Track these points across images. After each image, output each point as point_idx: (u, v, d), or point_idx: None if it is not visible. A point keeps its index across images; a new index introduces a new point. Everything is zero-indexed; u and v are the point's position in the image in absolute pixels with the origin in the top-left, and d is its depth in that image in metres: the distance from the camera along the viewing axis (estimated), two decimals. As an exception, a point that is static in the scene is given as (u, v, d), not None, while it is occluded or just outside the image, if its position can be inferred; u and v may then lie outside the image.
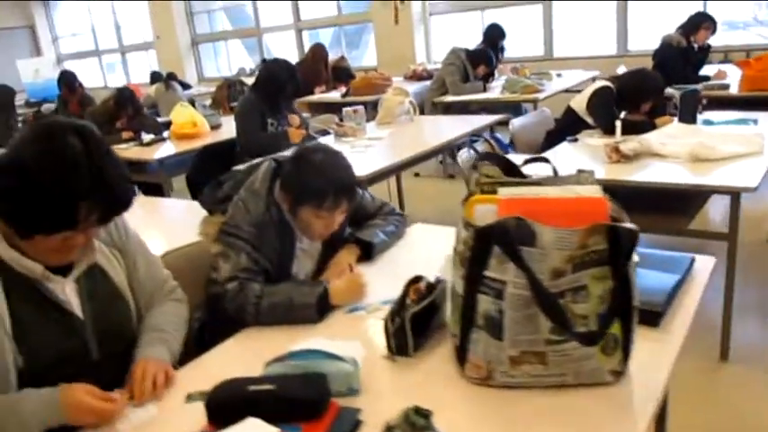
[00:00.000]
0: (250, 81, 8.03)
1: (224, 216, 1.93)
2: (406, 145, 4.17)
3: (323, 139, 4.51)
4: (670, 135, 3.39)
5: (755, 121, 3.68)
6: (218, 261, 1.89)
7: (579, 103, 3.92)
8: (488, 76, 6.29)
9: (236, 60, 12.29)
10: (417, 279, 1.66)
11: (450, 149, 4.23)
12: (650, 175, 2.99)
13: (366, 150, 4.04)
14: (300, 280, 1.90)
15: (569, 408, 1.30)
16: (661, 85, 3.82)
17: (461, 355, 1.43)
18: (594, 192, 1.40)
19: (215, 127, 5.57)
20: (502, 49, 6.87)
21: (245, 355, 1.64)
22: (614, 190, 1.48)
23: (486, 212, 1.40)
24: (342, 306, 1.82)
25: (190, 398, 1.45)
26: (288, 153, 2.09)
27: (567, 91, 6.05)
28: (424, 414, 1.21)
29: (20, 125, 7.00)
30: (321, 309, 1.77)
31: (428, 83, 6.84)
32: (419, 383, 1.44)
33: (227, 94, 7.85)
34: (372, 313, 1.78)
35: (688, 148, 3.07)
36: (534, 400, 1.33)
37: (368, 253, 2.14)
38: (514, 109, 5.90)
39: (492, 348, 1.36)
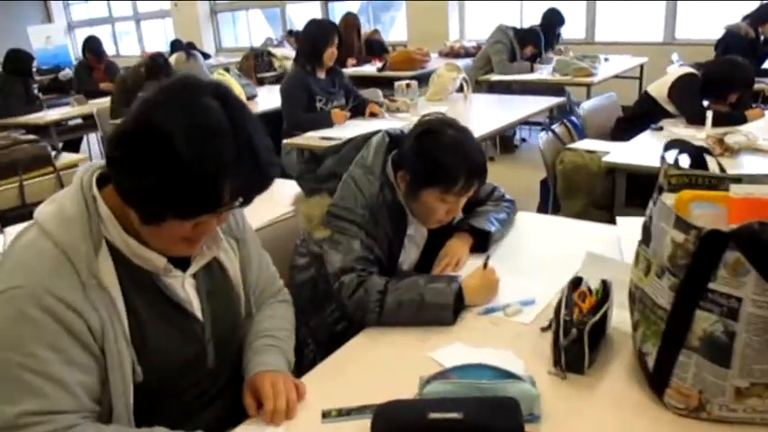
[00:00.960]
0: (278, 51, 7.76)
1: (329, 196, 1.68)
2: (465, 123, 3.90)
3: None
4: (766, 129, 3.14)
5: None
6: (326, 249, 1.64)
7: (659, 90, 3.66)
8: (536, 57, 6.00)
9: (256, 31, 11.92)
10: (577, 281, 1.43)
11: (512, 130, 3.95)
12: (758, 170, 2.74)
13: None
14: (429, 275, 1.65)
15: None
16: (752, 75, 3.56)
17: (659, 379, 1.19)
18: None
19: (250, 98, 5.30)
20: (558, 36, 6.55)
21: (375, 363, 1.40)
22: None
23: (706, 213, 1.16)
24: (474, 306, 1.58)
25: (326, 416, 1.21)
26: (400, 126, 1.83)
27: (617, 77, 5.79)
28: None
29: (37, 92, 6.66)
30: (455, 309, 1.53)
31: (467, 60, 6.55)
32: (605, 409, 1.20)
33: (253, 64, 7.53)
34: (512, 316, 1.54)
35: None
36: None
37: (483, 243, 1.89)
38: (558, 92, 5.64)
39: (709, 376, 1.12)
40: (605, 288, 1.39)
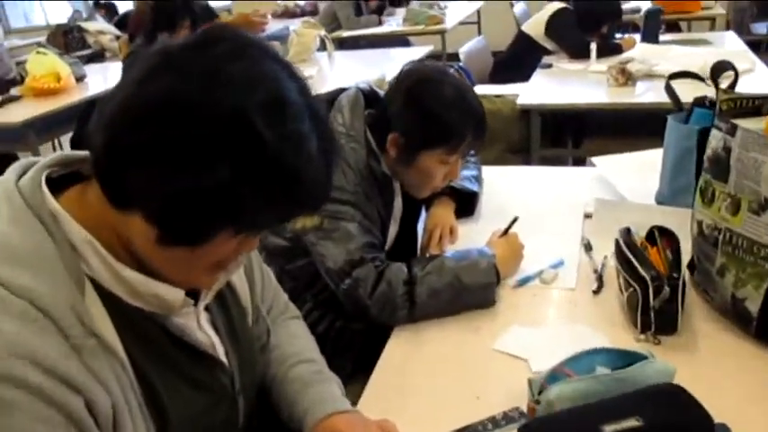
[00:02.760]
0: (90, 26, 6.86)
1: None
2: (336, 85, 3.64)
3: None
4: (649, 55, 3.23)
5: (707, 42, 3.67)
6: (316, 241, 1.34)
7: (536, 28, 3.64)
8: (382, 9, 5.82)
9: (53, 7, 10.50)
10: (627, 232, 1.27)
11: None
12: (658, 96, 2.79)
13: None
14: (456, 253, 1.39)
15: None
16: (619, 6, 3.66)
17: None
18: None
19: (80, 79, 4.57)
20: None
21: (434, 373, 1.14)
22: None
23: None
24: (506, 278, 1.37)
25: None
26: (372, 80, 1.54)
27: (460, 23, 5.79)
28: None
29: None
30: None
31: (305, 20, 6.22)
32: (717, 367, 1.07)
33: (63, 42, 6.58)
34: (551, 283, 1.36)
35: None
36: None
37: (466, 206, 1.69)
38: (404, 43, 5.55)
39: (836, 312, 1.02)
40: (662, 236, 1.25)
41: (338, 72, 4.01)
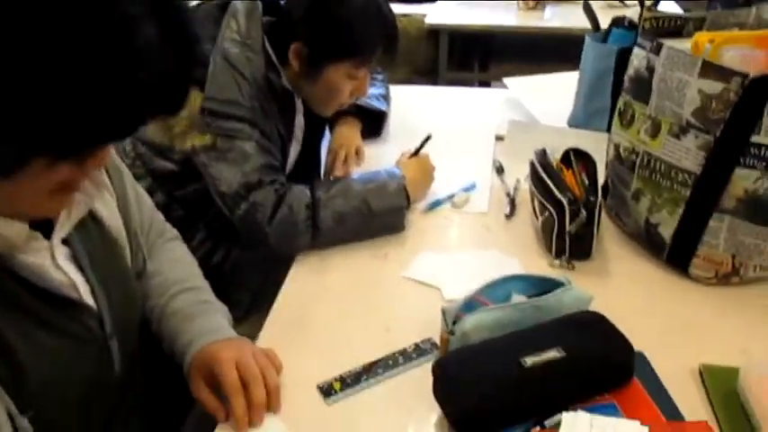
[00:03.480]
0: None
1: (198, 90, 1.20)
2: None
3: None
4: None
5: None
6: (207, 162, 1.20)
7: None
8: None
9: None
10: (542, 154, 1.22)
11: None
12: (566, 19, 2.75)
13: None
14: (362, 175, 1.28)
15: None
16: None
17: (682, 250, 1.06)
18: None
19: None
20: None
21: (341, 302, 1.04)
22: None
23: (739, 58, 0.99)
24: (416, 201, 1.29)
25: (327, 393, 0.86)
26: None
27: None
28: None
29: None
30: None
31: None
32: (629, 293, 1.04)
33: None
34: (462, 207, 1.29)
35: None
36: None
37: (373, 126, 1.58)
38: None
39: (747, 237, 1.01)
40: (577, 158, 1.20)
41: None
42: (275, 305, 1.05)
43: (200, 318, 0.91)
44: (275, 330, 0.99)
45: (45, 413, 0.69)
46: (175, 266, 0.99)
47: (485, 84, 2.94)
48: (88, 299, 0.76)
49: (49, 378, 0.70)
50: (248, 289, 1.41)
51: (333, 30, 1.21)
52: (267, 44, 1.25)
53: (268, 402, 0.81)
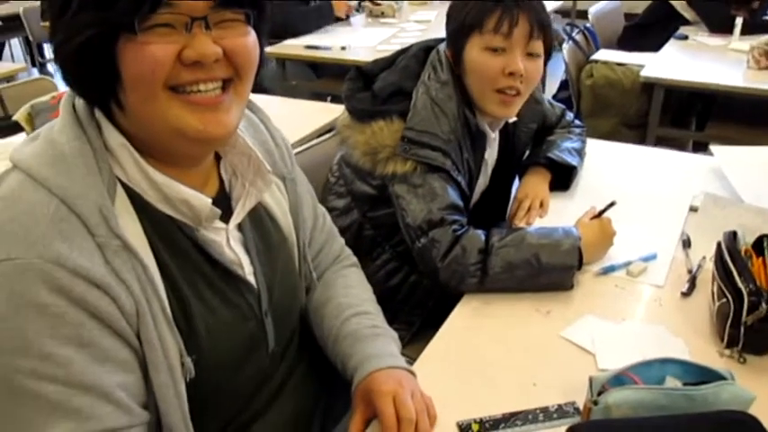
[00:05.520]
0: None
1: (400, 120, 1.32)
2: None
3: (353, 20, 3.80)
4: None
5: None
6: (401, 194, 1.31)
7: (677, -6, 3.36)
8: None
9: None
10: (732, 236, 1.16)
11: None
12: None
13: (421, 36, 3.38)
14: (538, 228, 1.32)
15: None
16: (777, -23, 3.29)
17: None
18: None
19: None
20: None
21: (495, 350, 1.10)
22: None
23: None
24: (590, 263, 1.30)
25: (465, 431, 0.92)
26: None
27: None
28: None
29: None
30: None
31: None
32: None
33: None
34: (638, 276, 1.27)
35: None
36: None
37: (562, 179, 1.60)
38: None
39: None
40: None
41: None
42: (435, 337, 1.13)
43: (370, 341, 1.00)
44: (430, 361, 1.07)
45: (205, 360, 0.82)
46: (350, 292, 1.10)
47: (701, 144, 2.78)
48: (250, 278, 0.91)
49: (212, 332, 0.84)
50: (420, 313, 1.51)
51: (450, 17, 1.37)
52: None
53: None
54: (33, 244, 0.68)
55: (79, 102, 0.78)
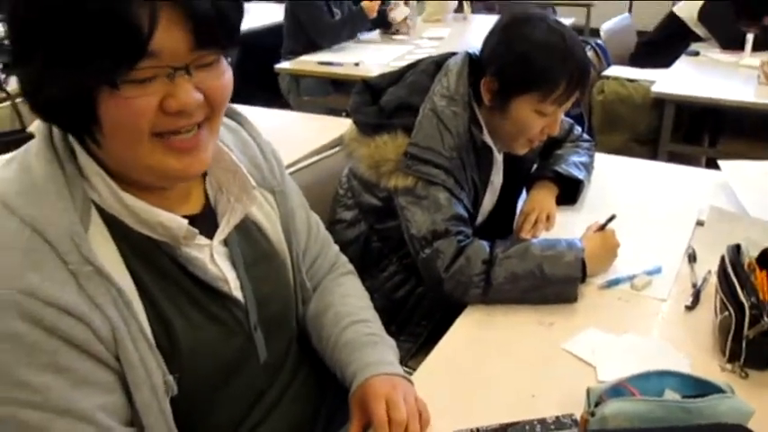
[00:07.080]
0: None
1: (405, 135, 1.33)
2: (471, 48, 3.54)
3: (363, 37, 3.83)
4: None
5: None
6: (405, 205, 1.33)
7: (689, 11, 3.35)
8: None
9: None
10: (736, 249, 1.16)
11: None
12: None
13: (435, 54, 3.40)
14: (542, 240, 1.33)
15: None
16: (790, -6, 3.29)
17: None
18: None
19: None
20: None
21: (495, 361, 1.10)
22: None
23: None
24: (594, 276, 1.30)
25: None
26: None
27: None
28: None
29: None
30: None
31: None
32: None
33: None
34: (642, 290, 1.27)
35: None
36: None
37: (569, 193, 1.61)
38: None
39: None
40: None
41: (472, 36, 3.90)
42: (436, 347, 1.14)
43: (368, 349, 1.01)
44: (430, 370, 1.08)
45: (189, 378, 0.83)
46: (347, 300, 1.11)
47: (713, 160, 2.77)
48: (237, 293, 0.91)
49: (197, 350, 0.84)
50: (426, 325, 1.52)
51: (516, 62, 1.30)
52: (473, 101, 1.37)
53: None
54: (6, 277, 0.69)
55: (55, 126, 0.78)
